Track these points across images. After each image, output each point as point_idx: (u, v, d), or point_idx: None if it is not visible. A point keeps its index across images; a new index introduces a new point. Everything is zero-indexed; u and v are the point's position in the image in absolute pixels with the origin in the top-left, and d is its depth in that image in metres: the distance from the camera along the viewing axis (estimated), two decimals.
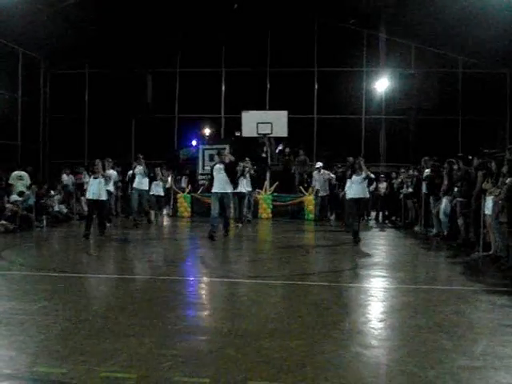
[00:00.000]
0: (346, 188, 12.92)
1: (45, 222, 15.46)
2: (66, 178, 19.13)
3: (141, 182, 15.96)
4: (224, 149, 14.43)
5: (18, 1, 17.40)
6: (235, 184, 14.01)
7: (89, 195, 12.91)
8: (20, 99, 23.52)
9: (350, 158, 15.68)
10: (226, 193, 12.80)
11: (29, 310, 5.85)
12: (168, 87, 25.48)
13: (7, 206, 14.35)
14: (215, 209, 12.64)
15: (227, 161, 12.89)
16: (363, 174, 12.22)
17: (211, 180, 13.28)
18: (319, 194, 18.75)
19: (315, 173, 19.03)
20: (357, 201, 12.36)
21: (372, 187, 15.98)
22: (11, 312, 5.68)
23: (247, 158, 17.52)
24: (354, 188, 12.37)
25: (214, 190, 12.81)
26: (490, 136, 23.28)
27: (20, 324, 5.24)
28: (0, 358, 4.31)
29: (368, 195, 13.24)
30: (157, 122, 25.09)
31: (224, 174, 12.71)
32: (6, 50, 21.89)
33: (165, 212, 20.64)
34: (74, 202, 17.73)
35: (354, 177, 12.40)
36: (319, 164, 19.03)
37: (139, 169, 15.94)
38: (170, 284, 7.66)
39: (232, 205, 14.87)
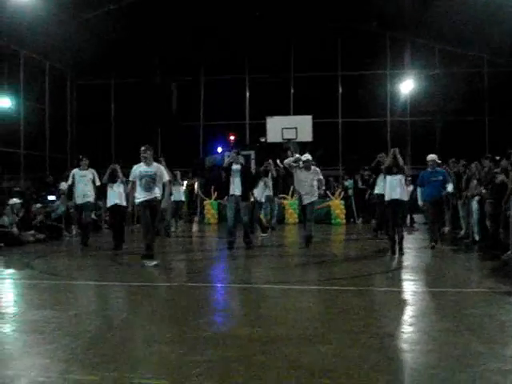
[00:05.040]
0: (378, 189, 12.03)
1: (74, 231, 15.65)
2: None
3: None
4: (249, 155, 13.92)
5: (43, 14, 17.66)
6: (251, 189, 12.71)
7: (109, 202, 12.62)
8: (47, 110, 23.88)
9: (382, 154, 13.28)
10: (242, 196, 11.90)
11: (60, 318, 5.93)
12: (193, 95, 25.67)
13: (38, 217, 14.59)
14: (231, 216, 11.89)
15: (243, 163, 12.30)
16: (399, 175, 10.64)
17: (226, 180, 12.06)
18: (304, 202, 12.53)
19: (299, 171, 12.69)
20: (394, 204, 10.76)
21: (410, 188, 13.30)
22: (43, 320, 5.77)
23: (270, 160, 16.25)
24: (391, 188, 10.71)
25: (231, 192, 11.92)
26: None
27: (52, 332, 5.32)
28: (33, 365, 4.39)
29: (406, 198, 11.12)
30: (182, 130, 25.27)
31: (240, 178, 11.89)
32: (33, 62, 22.27)
33: (196, 219, 20.76)
34: (102, 211, 17.88)
35: (388, 177, 10.83)
36: (306, 156, 12.81)
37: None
38: (198, 291, 7.70)
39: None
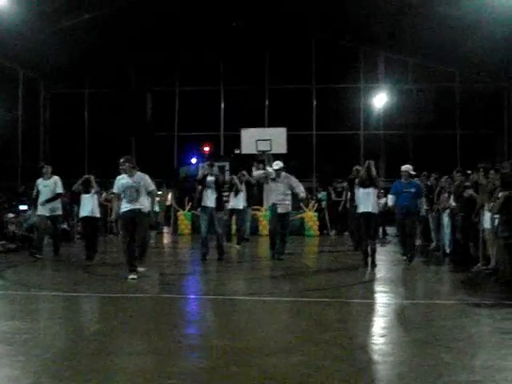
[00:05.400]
0: (356, 201, 11.51)
1: (45, 241, 15.47)
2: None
3: None
4: (223, 166, 13.81)
5: (17, 22, 17.53)
6: (222, 199, 12.42)
7: (82, 213, 12.31)
8: (20, 119, 23.66)
9: (357, 167, 13.09)
10: (216, 208, 11.88)
11: (31, 329, 5.88)
12: (167, 105, 25.66)
13: (9, 227, 14.43)
14: (205, 228, 11.88)
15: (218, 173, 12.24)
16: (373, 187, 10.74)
17: (200, 192, 11.95)
18: (278, 210, 11.87)
19: (270, 181, 12.19)
20: (366, 217, 10.84)
21: (382, 201, 13.77)
22: (14, 332, 5.70)
23: (244, 172, 16.14)
24: (363, 201, 10.83)
25: (205, 203, 11.81)
26: (488, 150, 23.39)
27: (23, 343, 5.26)
28: (4, 377, 4.34)
29: (376, 210, 11.12)
30: (157, 141, 25.21)
31: (214, 188, 11.83)
32: (5, 70, 22.06)
33: (165, 230, 20.69)
34: (74, 221, 17.72)
35: (361, 189, 10.89)
36: (278, 164, 12.17)
37: None
38: (171, 302, 7.69)
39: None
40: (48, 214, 12.44)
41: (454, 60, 22.95)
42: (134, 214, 9.27)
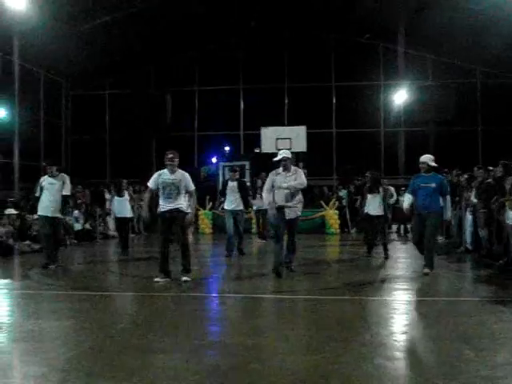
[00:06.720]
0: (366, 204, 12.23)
1: (68, 241, 15.68)
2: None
3: None
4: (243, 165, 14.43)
5: (39, 25, 17.75)
6: (247, 201, 13.10)
7: (118, 214, 13.45)
8: (42, 120, 23.93)
9: (368, 174, 13.29)
10: (240, 210, 12.61)
11: (58, 327, 5.99)
12: (187, 106, 25.77)
13: (33, 227, 14.63)
14: (230, 227, 12.45)
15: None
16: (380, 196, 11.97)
17: (223, 196, 12.89)
18: (286, 216, 9.37)
19: (272, 174, 9.53)
20: (374, 217, 11.99)
21: (393, 200, 13.29)
22: (41, 330, 5.82)
23: (263, 173, 16.90)
24: (372, 205, 12.02)
25: (227, 207, 12.61)
26: (510, 146, 23.13)
27: (50, 341, 5.38)
28: (32, 374, 4.43)
29: (383, 212, 12.01)
30: (177, 140, 25.33)
31: (237, 192, 12.52)
32: (28, 72, 22.33)
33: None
34: (98, 222, 17.92)
35: (369, 196, 12.11)
36: (283, 153, 9.49)
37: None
38: (194, 301, 7.77)
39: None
40: (51, 215, 11.00)
41: (475, 56, 22.78)
42: (173, 215, 8.91)
